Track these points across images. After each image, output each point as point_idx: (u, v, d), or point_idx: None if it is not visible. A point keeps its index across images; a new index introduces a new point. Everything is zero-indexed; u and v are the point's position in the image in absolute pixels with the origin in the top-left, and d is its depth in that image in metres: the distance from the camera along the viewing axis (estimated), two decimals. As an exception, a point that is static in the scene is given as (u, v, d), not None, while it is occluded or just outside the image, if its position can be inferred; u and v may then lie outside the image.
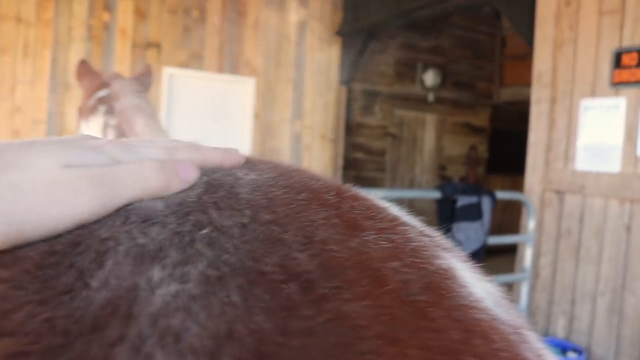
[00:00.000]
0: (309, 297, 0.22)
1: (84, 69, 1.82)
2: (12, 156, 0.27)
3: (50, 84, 4.97)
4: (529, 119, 3.85)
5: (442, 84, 7.35)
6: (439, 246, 0.32)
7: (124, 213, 0.28)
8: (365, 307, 0.22)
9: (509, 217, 7.17)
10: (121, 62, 5.21)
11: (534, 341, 0.27)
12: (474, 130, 7.81)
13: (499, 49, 7.95)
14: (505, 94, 7.88)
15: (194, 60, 5.60)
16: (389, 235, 0.29)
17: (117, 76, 1.88)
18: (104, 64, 5.11)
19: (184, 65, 5.55)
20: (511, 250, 4.29)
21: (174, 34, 5.49)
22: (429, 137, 7.40)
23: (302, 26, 6.13)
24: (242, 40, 5.82)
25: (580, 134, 3.45)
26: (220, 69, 5.73)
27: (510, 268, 4.34)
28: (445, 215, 3.35)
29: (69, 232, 0.26)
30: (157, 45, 5.41)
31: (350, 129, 6.65)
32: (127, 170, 0.30)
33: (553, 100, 3.64)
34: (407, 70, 7.12)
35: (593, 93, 3.37)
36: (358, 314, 0.22)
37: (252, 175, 0.34)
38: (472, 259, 0.33)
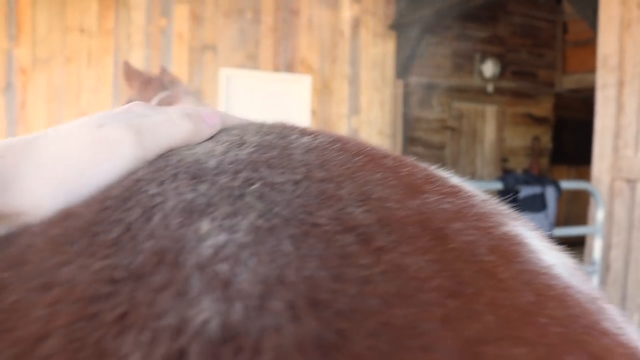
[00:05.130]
0: (365, 248, 0.22)
1: (130, 69, 1.99)
2: (53, 132, 0.29)
3: (113, 90, 5.14)
4: (594, 107, 3.69)
5: (502, 74, 7.15)
6: (504, 214, 0.30)
7: (173, 171, 0.28)
8: (427, 262, 0.22)
9: (576, 209, 6.91)
10: (179, 65, 5.33)
11: (613, 313, 0.25)
12: (536, 120, 7.57)
13: (560, 35, 7.65)
14: (569, 82, 7.58)
15: (250, 61, 5.66)
16: (451, 200, 0.29)
17: (165, 72, 2.01)
18: (163, 68, 5.22)
19: (240, 66, 5.62)
20: (579, 244, 4.13)
21: (229, 35, 5.57)
22: (489, 129, 7.22)
23: (355, 22, 6.10)
24: (296, 38, 5.85)
25: (652, 118, 3.28)
26: (276, 68, 5.78)
27: (578, 261, 4.17)
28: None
29: (121, 189, 0.27)
30: (213, 48, 5.50)
31: (408, 123, 6.55)
32: (158, 120, 0.32)
33: (620, 84, 3.47)
34: (464, 62, 6.96)
35: (665, 74, 3.20)
36: (418, 267, 0.21)
37: (305, 139, 0.35)
38: None
